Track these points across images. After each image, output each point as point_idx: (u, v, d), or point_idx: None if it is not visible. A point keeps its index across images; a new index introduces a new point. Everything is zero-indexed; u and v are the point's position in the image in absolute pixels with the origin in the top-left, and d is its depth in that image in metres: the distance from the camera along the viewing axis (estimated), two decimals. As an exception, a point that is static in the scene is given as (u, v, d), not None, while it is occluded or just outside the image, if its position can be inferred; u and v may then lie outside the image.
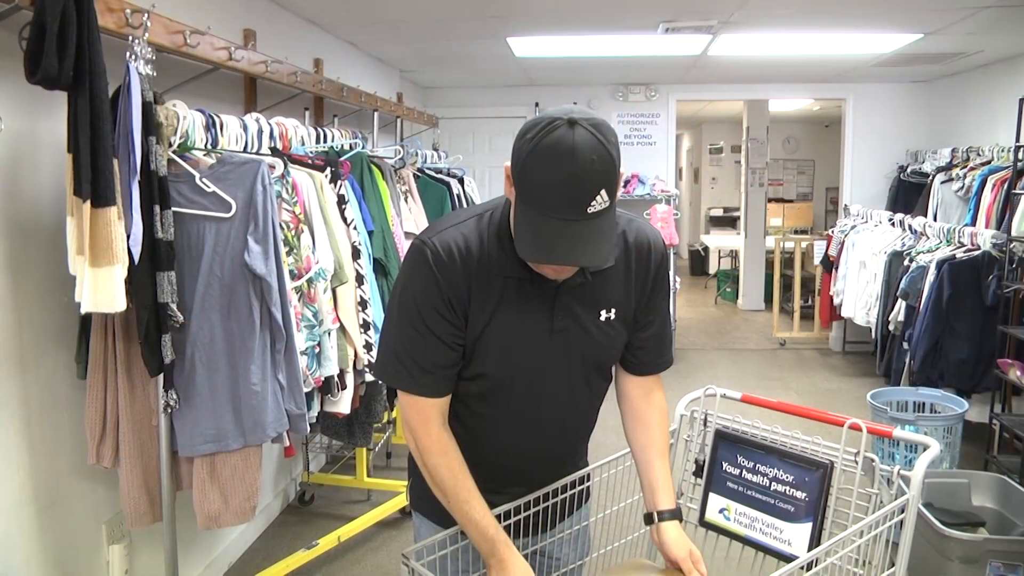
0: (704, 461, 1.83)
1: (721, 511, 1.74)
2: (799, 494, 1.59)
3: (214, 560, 3.57)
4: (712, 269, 12.32)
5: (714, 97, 8.34)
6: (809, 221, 12.66)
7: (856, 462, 1.54)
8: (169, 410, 2.51)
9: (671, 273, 1.77)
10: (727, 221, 13.12)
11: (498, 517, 1.62)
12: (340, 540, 3.75)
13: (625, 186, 7.46)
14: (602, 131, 1.32)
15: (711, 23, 4.81)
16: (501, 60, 6.18)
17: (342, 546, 3.78)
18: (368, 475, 4.36)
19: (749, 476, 1.69)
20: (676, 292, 7.49)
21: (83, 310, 2.22)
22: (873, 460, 1.52)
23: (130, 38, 2.40)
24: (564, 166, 1.29)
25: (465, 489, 1.55)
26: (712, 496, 1.77)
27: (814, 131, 13.05)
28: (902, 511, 1.44)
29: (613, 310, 1.59)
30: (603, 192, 1.31)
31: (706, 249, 12.65)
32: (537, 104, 7.78)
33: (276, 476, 4.27)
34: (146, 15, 2.44)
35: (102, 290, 2.20)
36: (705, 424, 1.85)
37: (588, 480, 1.88)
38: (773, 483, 1.63)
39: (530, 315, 1.54)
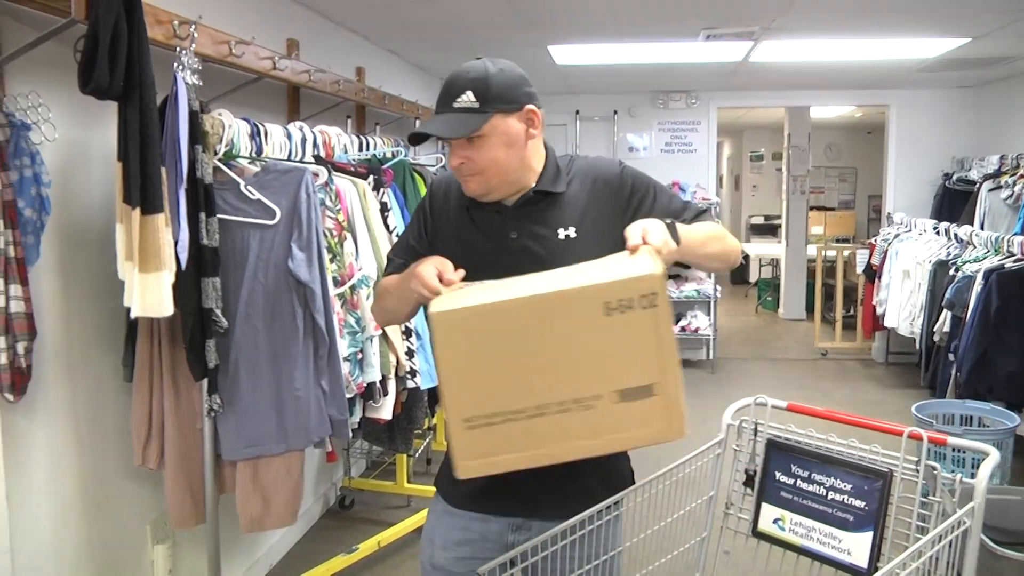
0: (755, 471, 1.80)
1: (775, 521, 1.71)
2: (858, 503, 1.55)
3: (255, 562, 3.59)
4: (753, 278, 12.20)
5: (755, 104, 8.28)
6: (851, 229, 12.52)
7: (917, 471, 1.50)
8: (213, 414, 2.53)
9: (651, 181, 1.87)
10: (768, 229, 13.00)
11: (511, 562, 1.74)
12: (380, 545, 3.76)
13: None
14: (495, 61, 1.72)
15: (752, 29, 4.77)
16: (542, 68, 6.18)
17: (382, 551, 3.79)
18: (408, 481, 4.38)
19: (804, 486, 1.66)
20: (716, 300, 7.43)
21: (133, 315, 2.24)
22: (935, 469, 1.49)
23: (177, 49, 2.44)
24: (448, 76, 1.71)
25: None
26: (765, 506, 1.74)
27: (856, 138, 12.90)
28: (966, 521, 1.40)
29: (572, 228, 1.76)
30: (470, 93, 1.67)
31: (747, 257, 12.54)
32: (578, 112, 7.76)
33: (317, 480, 4.29)
34: (193, 26, 2.48)
35: (150, 295, 2.22)
36: (755, 434, 1.82)
37: (619, 508, 1.82)
38: (830, 492, 1.60)
39: (486, 235, 1.80)
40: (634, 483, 1.83)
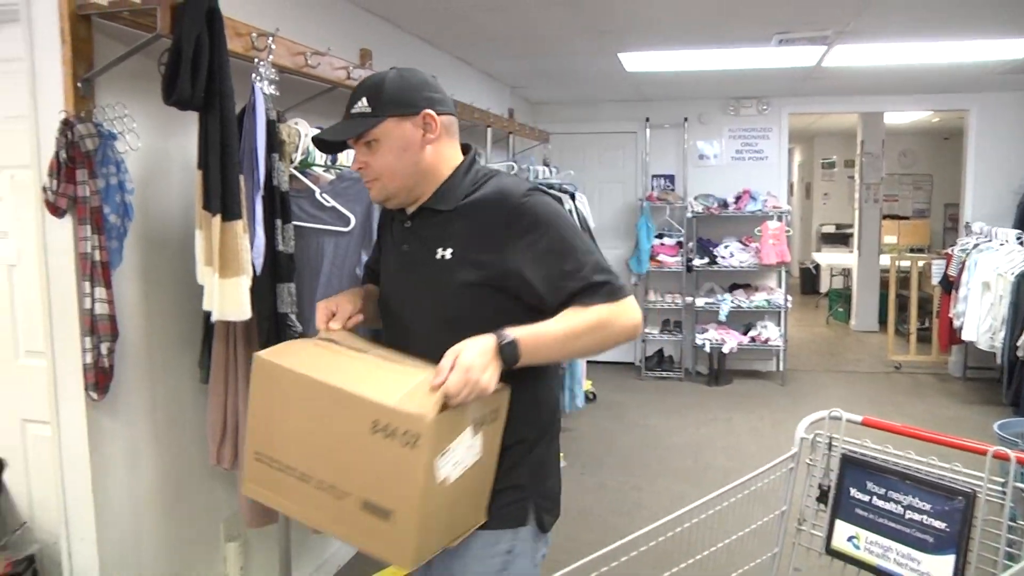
0: (828, 487, 1.77)
1: (850, 539, 1.67)
2: (939, 524, 1.51)
3: (324, 562, 3.65)
4: (823, 288, 11.97)
5: (828, 110, 8.14)
6: (926, 239, 12.21)
7: (1003, 493, 1.46)
8: None
9: (555, 228, 1.69)
10: (839, 238, 12.74)
11: None
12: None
13: (736, 202, 7.34)
14: (403, 70, 1.77)
15: (826, 33, 4.69)
16: (612, 75, 6.17)
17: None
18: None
19: (881, 503, 1.62)
20: (787, 311, 7.31)
21: (213, 318, 2.30)
22: None
23: (256, 60, 2.50)
24: None
25: None
26: (839, 523, 1.71)
27: (932, 144, 12.57)
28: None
29: (450, 250, 1.72)
30: (364, 99, 1.71)
31: (817, 267, 12.32)
32: (648, 120, 7.73)
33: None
34: (270, 38, 2.54)
35: (229, 300, 2.28)
36: (829, 448, 1.79)
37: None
38: (908, 511, 1.56)
39: (395, 245, 1.84)
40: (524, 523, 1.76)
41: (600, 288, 1.65)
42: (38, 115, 2.33)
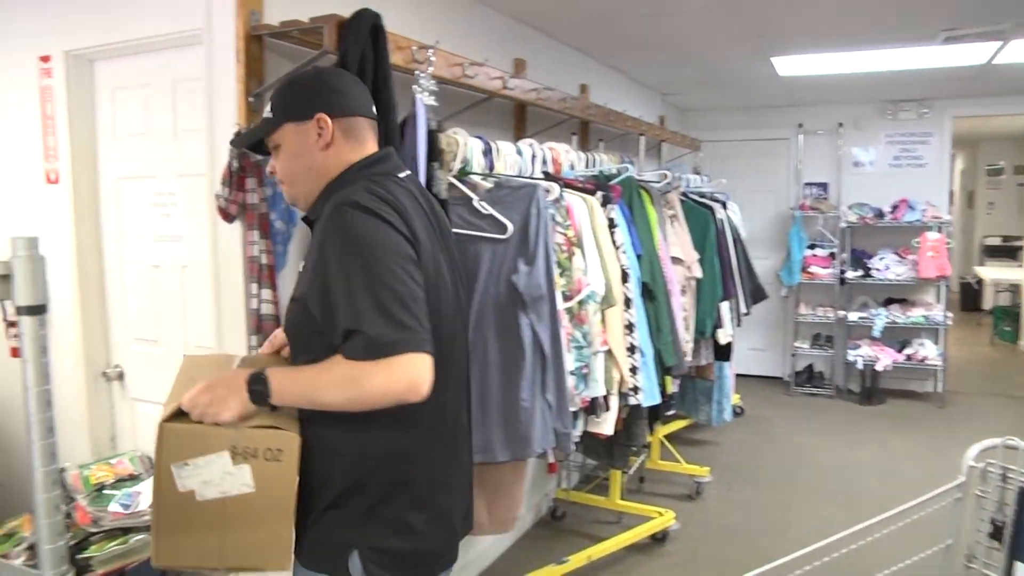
0: (1004, 523, 1.65)
1: (1038, 580, 1.57)
2: None
3: (468, 564, 3.70)
4: (987, 305, 11.27)
5: (998, 112, 7.56)
6: (1105, 252, 11.36)
7: None
8: None
9: (346, 248, 1.52)
10: (1006, 251, 11.92)
11: None
12: (590, 559, 3.77)
13: (893, 211, 7.02)
14: (316, 69, 1.85)
15: (1001, 27, 4.37)
16: (764, 80, 6.02)
17: (591, 565, 3.79)
18: (620, 498, 4.36)
19: (1075, 543, 1.51)
20: (946, 328, 6.93)
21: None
22: None
23: (416, 72, 2.56)
24: None
25: None
26: (1019, 566, 1.60)
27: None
28: None
29: (304, 261, 1.68)
30: (270, 104, 1.73)
31: (980, 282, 11.61)
32: (801, 125, 7.49)
33: (531, 490, 4.36)
34: (431, 51, 2.60)
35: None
36: (1004, 480, 1.68)
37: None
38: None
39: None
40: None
41: (357, 340, 1.46)
42: (213, 128, 2.49)
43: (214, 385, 1.55)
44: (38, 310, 1.61)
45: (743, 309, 4.92)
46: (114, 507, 2.41)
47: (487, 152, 2.79)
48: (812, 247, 7.35)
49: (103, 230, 3.01)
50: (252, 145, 1.82)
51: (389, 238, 1.54)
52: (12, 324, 1.66)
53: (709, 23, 4.24)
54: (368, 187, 1.61)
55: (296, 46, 2.50)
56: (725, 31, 4.42)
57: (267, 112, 1.73)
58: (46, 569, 1.69)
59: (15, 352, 1.65)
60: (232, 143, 1.91)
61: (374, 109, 1.81)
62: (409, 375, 1.46)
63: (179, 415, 1.56)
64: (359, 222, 1.53)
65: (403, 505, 1.64)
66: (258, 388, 1.53)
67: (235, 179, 2.38)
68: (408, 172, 1.80)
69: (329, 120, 1.68)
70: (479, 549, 3.80)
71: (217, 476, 1.54)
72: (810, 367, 7.44)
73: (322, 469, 1.63)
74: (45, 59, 2.88)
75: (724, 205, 4.91)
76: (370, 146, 1.76)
